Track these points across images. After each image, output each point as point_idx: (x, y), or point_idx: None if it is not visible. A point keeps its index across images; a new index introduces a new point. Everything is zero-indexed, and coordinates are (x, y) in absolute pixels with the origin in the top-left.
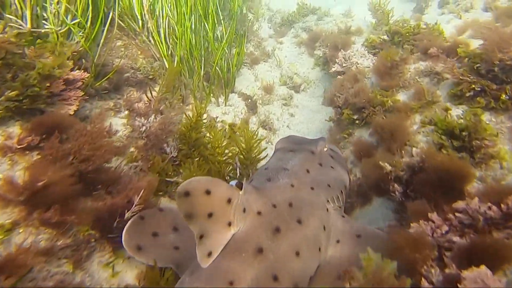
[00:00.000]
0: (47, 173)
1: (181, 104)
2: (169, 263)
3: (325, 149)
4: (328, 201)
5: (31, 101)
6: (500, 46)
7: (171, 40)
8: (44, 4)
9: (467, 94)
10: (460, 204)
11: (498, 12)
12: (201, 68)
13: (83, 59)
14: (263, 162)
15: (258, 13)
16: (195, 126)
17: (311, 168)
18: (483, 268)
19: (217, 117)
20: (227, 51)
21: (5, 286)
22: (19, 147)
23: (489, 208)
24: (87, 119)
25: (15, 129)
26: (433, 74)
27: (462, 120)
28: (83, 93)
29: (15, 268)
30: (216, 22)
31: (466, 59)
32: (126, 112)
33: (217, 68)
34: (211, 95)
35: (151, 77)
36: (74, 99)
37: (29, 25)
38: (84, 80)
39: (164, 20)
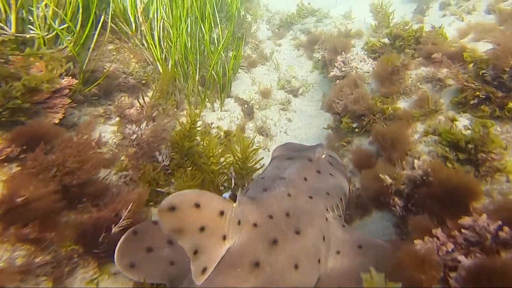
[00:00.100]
0: (28, 188)
1: (175, 109)
2: (163, 279)
3: (323, 156)
4: (327, 209)
5: (10, 113)
6: None
7: (165, 43)
8: (30, 7)
9: (471, 102)
10: (466, 220)
11: (502, 15)
12: (196, 72)
13: (71, 65)
14: (260, 172)
15: (256, 14)
16: (189, 134)
17: (309, 176)
18: None
19: (212, 123)
20: (223, 55)
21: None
22: None
23: (501, 228)
24: (75, 127)
25: None
26: (435, 80)
27: (469, 131)
28: (70, 101)
29: None
30: (213, 24)
31: (471, 64)
32: (117, 118)
33: (213, 72)
34: (206, 100)
35: (144, 82)
36: (60, 107)
37: (13, 30)
38: (71, 87)
39: (158, 22)
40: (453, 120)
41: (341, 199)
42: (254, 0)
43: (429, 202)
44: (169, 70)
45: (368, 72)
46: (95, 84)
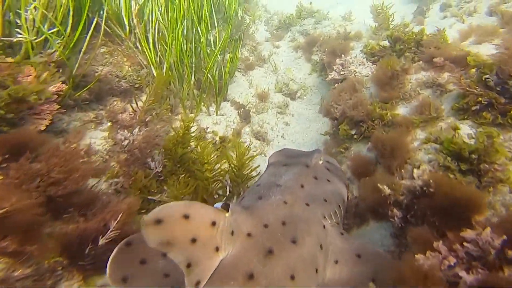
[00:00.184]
0: (10, 199)
1: (169, 114)
2: None
3: (321, 162)
4: (325, 217)
5: None
6: None
7: (160, 46)
8: (18, 10)
9: (473, 108)
10: (469, 234)
11: (504, 17)
12: (191, 75)
13: (60, 74)
14: (256, 179)
15: (254, 15)
16: (182, 140)
17: (306, 183)
18: None
19: (207, 128)
20: (219, 58)
21: None
22: None
23: (506, 243)
24: (64, 133)
25: None
26: (435, 85)
27: (473, 140)
28: (59, 107)
29: None
30: (209, 26)
31: (474, 69)
32: (109, 124)
33: (209, 75)
34: (202, 104)
35: (137, 85)
36: (48, 113)
37: None
38: (61, 92)
39: (153, 25)
40: (455, 128)
41: (339, 205)
42: (253, 0)
43: (429, 213)
44: (164, 73)
45: (367, 76)
46: (86, 88)
